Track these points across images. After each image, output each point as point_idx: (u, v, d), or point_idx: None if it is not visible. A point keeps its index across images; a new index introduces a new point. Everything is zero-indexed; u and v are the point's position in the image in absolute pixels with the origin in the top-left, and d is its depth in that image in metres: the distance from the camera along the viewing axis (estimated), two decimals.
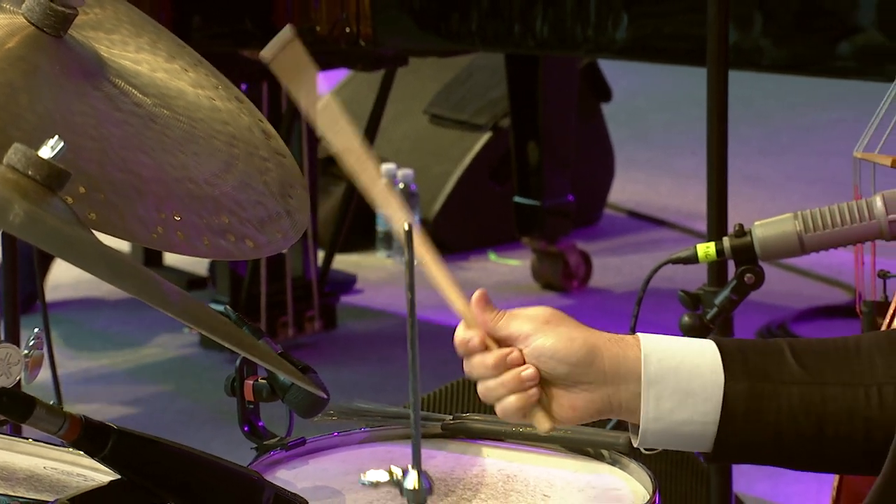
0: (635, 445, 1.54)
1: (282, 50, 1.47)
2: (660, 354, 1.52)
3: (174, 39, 1.60)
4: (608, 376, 1.51)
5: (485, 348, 1.51)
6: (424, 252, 1.51)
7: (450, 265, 1.53)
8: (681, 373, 1.52)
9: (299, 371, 1.56)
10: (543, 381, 1.51)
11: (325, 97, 1.51)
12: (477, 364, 1.51)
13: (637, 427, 1.52)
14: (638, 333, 1.54)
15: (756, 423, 1.52)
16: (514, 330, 1.52)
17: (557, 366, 1.50)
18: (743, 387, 1.52)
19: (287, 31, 1.49)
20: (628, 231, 5.33)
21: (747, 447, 1.54)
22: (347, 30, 3.71)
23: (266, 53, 1.47)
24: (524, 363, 1.50)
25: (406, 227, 1.38)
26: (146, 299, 1.24)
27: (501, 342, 1.52)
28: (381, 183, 1.49)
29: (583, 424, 1.56)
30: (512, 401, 1.50)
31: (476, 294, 1.52)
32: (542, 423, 1.51)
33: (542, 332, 1.51)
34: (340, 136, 1.50)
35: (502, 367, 1.50)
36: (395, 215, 1.48)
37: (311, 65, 1.54)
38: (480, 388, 1.52)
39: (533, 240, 4.72)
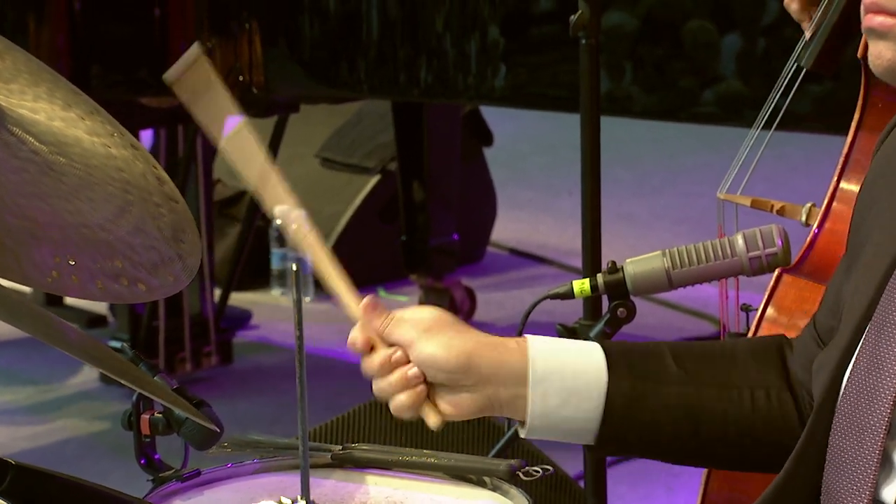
0: (522, 436, 1.55)
1: (188, 69, 1.46)
2: (546, 355, 1.54)
3: (71, 88, 1.58)
4: (486, 379, 1.53)
5: (370, 349, 1.53)
6: (323, 259, 1.53)
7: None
8: (566, 372, 1.54)
9: (193, 405, 1.54)
10: (429, 381, 1.54)
11: (238, 125, 1.50)
12: (367, 365, 1.54)
13: (523, 423, 1.54)
14: (526, 335, 1.56)
15: (636, 420, 1.54)
16: (398, 336, 1.54)
17: (437, 373, 1.53)
18: (625, 386, 1.54)
19: (195, 49, 1.48)
20: (510, 268, 5.36)
21: (627, 442, 1.57)
22: (241, 78, 3.70)
23: (171, 75, 1.46)
24: (409, 362, 1.52)
25: (294, 268, 1.38)
26: (44, 339, 1.22)
27: (392, 344, 1.54)
28: (288, 200, 1.50)
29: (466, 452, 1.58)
30: (402, 398, 1.53)
31: (364, 300, 1.55)
32: (430, 418, 1.53)
33: (422, 339, 1.53)
34: (249, 162, 1.51)
35: (388, 367, 1.52)
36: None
37: (219, 83, 1.53)
38: (374, 387, 1.54)
39: (420, 276, 4.72)
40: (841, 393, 1.46)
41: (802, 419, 1.56)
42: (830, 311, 1.56)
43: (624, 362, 1.55)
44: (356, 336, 1.54)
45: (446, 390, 1.53)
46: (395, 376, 1.52)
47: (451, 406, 1.53)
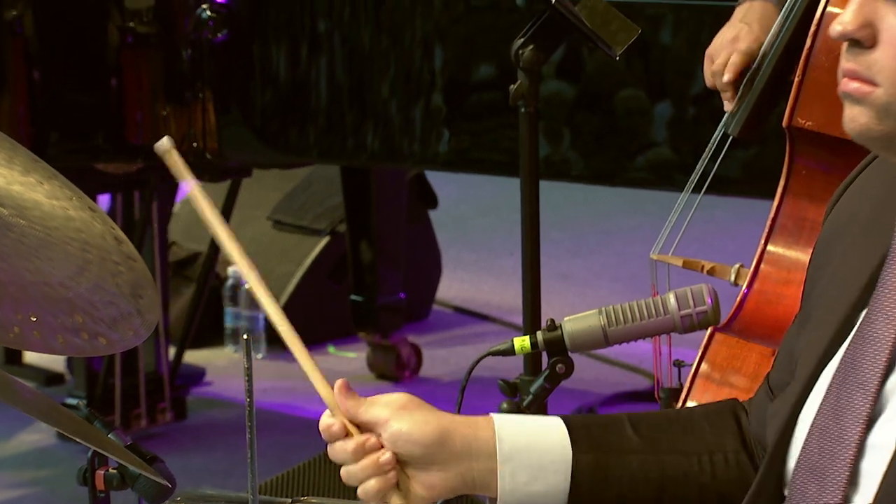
0: None
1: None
2: (512, 432, 1.53)
3: (29, 156, 1.58)
4: (460, 455, 1.51)
5: (346, 434, 1.50)
6: (294, 344, 1.52)
7: (293, 358, 1.52)
8: (532, 449, 1.53)
9: (146, 461, 1.53)
10: (402, 463, 1.51)
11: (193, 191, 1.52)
12: (339, 450, 1.50)
13: (494, 500, 1.53)
14: (491, 414, 1.55)
15: (602, 491, 1.54)
16: (373, 416, 1.51)
17: (413, 448, 1.50)
18: (589, 459, 1.54)
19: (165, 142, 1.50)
20: (455, 325, 5.36)
21: None
22: (195, 144, 3.69)
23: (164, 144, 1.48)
24: (382, 449, 1.49)
25: (245, 337, 1.39)
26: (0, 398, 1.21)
27: (363, 427, 1.51)
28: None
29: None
30: (372, 484, 1.49)
31: (338, 383, 1.52)
32: None
33: (397, 417, 1.50)
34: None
35: (361, 452, 1.49)
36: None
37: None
38: (343, 472, 1.51)
39: (368, 334, 4.71)
40: (804, 440, 1.47)
41: None
42: (784, 367, 1.57)
43: (586, 435, 1.55)
44: (331, 422, 1.51)
45: (420, 471, 1.50)
46: (367, 461, 1.48)
47: (425, 487, 1.50)
